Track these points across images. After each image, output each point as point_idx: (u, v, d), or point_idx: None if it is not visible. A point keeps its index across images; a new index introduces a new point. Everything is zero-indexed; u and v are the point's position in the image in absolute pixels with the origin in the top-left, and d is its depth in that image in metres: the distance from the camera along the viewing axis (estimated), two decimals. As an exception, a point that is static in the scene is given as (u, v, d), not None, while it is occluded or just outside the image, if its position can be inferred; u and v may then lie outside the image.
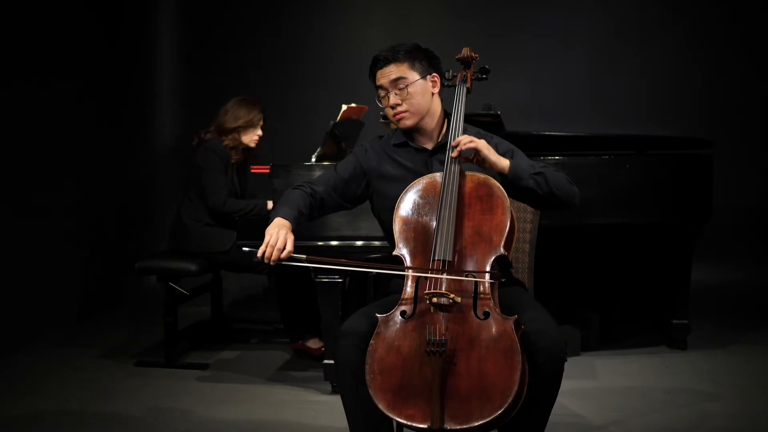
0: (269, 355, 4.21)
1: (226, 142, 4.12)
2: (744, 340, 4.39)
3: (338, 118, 3.99)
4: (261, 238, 3.51)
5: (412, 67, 2.52)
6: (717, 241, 5.34)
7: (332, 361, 3.51)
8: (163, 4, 6.44)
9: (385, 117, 3.96)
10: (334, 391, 3.57)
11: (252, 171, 4.38)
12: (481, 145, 2.36)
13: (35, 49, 4.46)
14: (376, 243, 3.43)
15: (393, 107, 2.53)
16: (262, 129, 4.20)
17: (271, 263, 2.29)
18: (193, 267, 3.99)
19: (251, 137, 4.17)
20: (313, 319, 4.08)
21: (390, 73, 2.52)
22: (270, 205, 3.95)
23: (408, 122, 2.55)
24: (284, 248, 2.29)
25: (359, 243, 3.46)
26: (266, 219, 3.56)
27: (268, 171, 3.58)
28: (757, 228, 6.24)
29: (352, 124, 4.14)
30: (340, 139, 3.95)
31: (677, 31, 6.36)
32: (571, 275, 4.48)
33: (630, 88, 6.37)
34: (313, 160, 3.88)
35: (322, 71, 6.48)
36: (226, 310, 4.73)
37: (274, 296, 4.20)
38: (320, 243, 3.48)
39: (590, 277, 4.63)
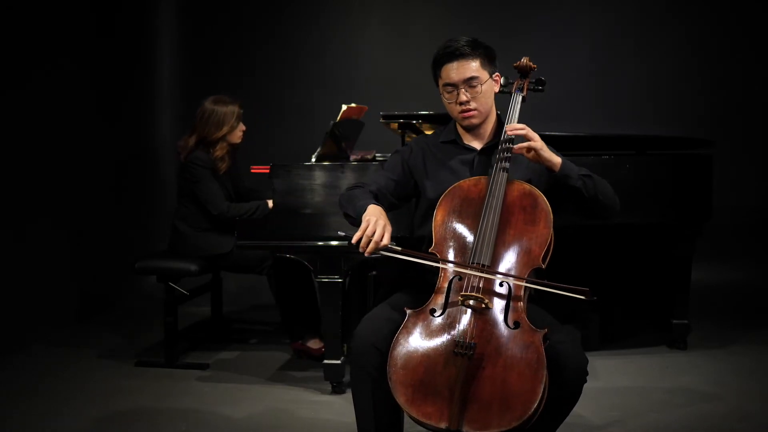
0: (269, 355, 4.21)
1: (216, 153, 4.09)
2: (744, 340, 4.39)
3: (338, 118, 3.99)
4: (261, 237, 3.55)
5: (483, 65, 2.48)
6: (717, 241, 5.34)
7: (333, 361, 3.52)
8: (162, 4, 6.44)
9: (385, 117, 3.98)
10: (334, 391, 3.57)
11: (252, 171, 4.37)
12: (537, 139, 2.37)
13: (34, 50, 4.46)
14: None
15: (461, 104, 2.48)
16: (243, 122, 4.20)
17: (366, 254, 2.25)
18: (193, 267, 3.99)
19: (236, 135, 4.17)
20: (313, 319, 4.08)
21: (463, 70, 2.45)
22: (271, 204, 3.95)
23: (475, 121, 2.52)
24: (381, 239, 2.24)
25: (359, 243, 3.45)
26: (259, 221, 3.60)
27: (268, 171, 3.58)
28: (757, 228, 6.24)
29: (352, 124, 4.14)
30: (340, 139, 3.94)
31: (678, 32, 6.36)
32: (571, 275, 4.47)
33: (630, 87, 6.37)
34: (313, 160, 3.88)
35: (322, 71, 6.48)
36: (226, 310, 4.73)
37: (274, 296, 4.19)
38: (320, 243, 3.48)
39: (590, 277, 4.61)
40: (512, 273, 2.26)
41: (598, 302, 4.60)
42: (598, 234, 4.39)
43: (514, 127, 2.40)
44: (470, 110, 2.49)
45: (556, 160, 2.40)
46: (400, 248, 2.27)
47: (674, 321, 4.16)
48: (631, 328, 4.59)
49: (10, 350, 4.12)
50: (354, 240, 2.25)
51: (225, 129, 4.09)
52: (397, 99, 6.01)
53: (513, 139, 2.43)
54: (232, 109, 4.11)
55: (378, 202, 2.46)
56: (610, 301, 4.65)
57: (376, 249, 2.24)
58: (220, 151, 4.11)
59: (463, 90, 2.46)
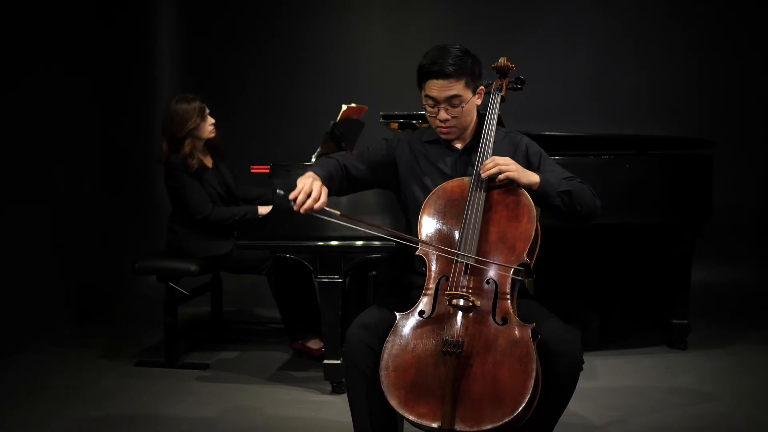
0: (269, 355, 4.21)
1: (185, 150, 4.07)
2: (744, 340, 4.39)
3: (338, 118, 3.99)
4: (261, 237, 3.55)
5: (467, 85, 2.46)
6: (717, 241, 5.33)
7: (333, 361, 3.52)
8: (163, 4, 6.43)
9: (384, 117, 3.98)
10: (334, 391, 3.57)
11: (252, 171, 4.37)
12: (511, 168, 2.35)
13: (32, 49, 4.46)
14: (376, 243, 3.43)
15: (442, 121, 2.49)
16: (211, 116, 4.18)
17: (302, 211, 2.27)
18: (193, 267, 3.99)
19: (206, 129, 4.15)
20: (313, 319, 4.08)
21: (445, 89, 2.43)
22: (261, 210, 3.94)
23: (451, 137, 2.55)
24: (318, 199, 2.28)
25: (359, 243, 3.46)
26: (259, 221, 3.60)
27: (267, 171, 3.58)
28: (757, 228, 6.24)
29: (352, 124, 4.14)
30: (340, 139, 3.95)
31: (677, 31, 6.36)
32: (571, 275, 4.48)
33: (630, 88, 6.36)
34: (313, 160, 3.88)
35: (322, 71, 6.48)
36: (226, 310, 4.73)
37: (274, 296, 4.19)
38: (320, 243, 3.48)
39: (591, 277, 4.63)
40: (496, 270, 2.27)
41: (598, 302, 4.61)
42: (598, 234, 4.39)
43: (485, 168, 2.36)
44: (449, 128, 2.50)
45: (534, 180, 2.39)
46: (338, 212, 2.29)
47: (674, 321, 4.16)
48: (631, 328, 4.59)
49: (10, 350, 4.11)
50: (291, 196, 2.28)
51: (189, 124, 4.08)
52: (397, 99, 5.99)
53: (494, 136, 2.47)
54: (194, 106, 4.11)
55: (339, 179, 2.51)
56: (610, 301, 4.65)
57: (312, 210, 2.27)
58: (187, 146, 4.08)
59: (444, 107, 2.46)
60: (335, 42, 6.53)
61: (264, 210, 3.89)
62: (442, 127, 2.51)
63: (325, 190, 2.32)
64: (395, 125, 4.09)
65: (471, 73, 2.46)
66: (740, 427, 3.19)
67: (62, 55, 4.79)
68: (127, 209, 5.64)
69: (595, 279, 4.64)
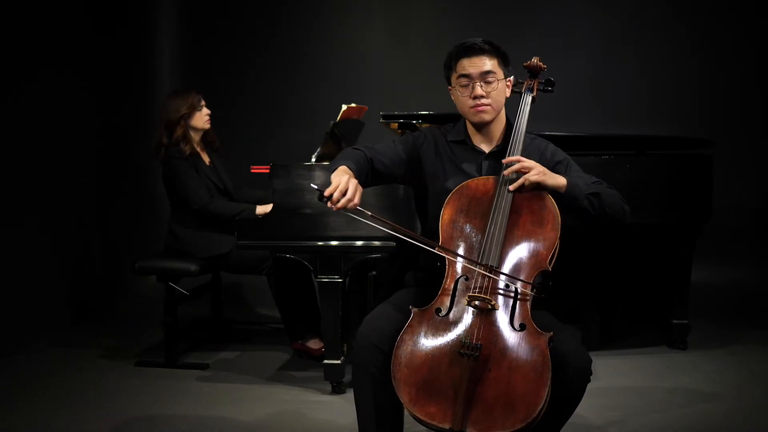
0: (269, 355, 4.21)
1: (177, 133, 4.08)
2: (744, 340, 4.39)
3: (338, 118, 3.99)
4: (261, 237, 3.55)
5: (500, 65, 2.50)
6: (717, 241, 5.33)
7: (333, 361, 3.52)
8: (163, 4, 6.43)
9: (384, 117, 3.97)
10: (334, 391, 3.57)
11: (252, 171, 4.37)
12: (537, 171, 2.33)
13: (34, 48, 4.46)
14: (377, 243, 3.43)
15: (476, 98, 2.47)
16: (207, 107, 4.20)
17: (334, 209, 2.23)
18: (193, 267, 3.99)
19: (201, 119, 4.16)
20: (313, 319, 4.08)
21: (483, 64, 2.46)
22: (258, 210, 3.94)
23: (487, 117, 2.51)
24: (353, 199, 2.24)
25: (359, 243, 3.46)
26: (259, 221, 3.60)
27: (268, 171, 3.58)
28: (757, 228, 6.23)
29: (352, 124, 4.14)
30: (340, 139, 3.95)
31: (678, 31, 6.36)
32: (571, 275, 4.47)
33: (630, 88, 6.36)
34: (313, 160, 3.88)
35: (322, 71, 6.48)
36: (226, 310, 4.73)
37: (274, 296, 4.19)
38: (320, 243, 3.48)
39: (591, 277, 4.62)
40: (520, 275, 2.26)
41: (598, 302, 4.60)
42: (598, 234, 4.39)
43: (508, 163, 2.36)
44: (484, 105, 2.48)
45: (561, 182, 2.37)
46: (369, 213, 2.26)
47: (674, 321, 4.16)
48: (631, 328, 4.59)
49: (10, 350, 4.11)
50: (327, 192, 2.23)
51: (183, 109, 4.10)
52: (397, 99, 6.00)
53: (522, 142, 2.45)
54: (187, 95, 4.14)
55: (365, 172, 2.47)
56: (610, 301, 4.65)
57: (346, 208, 2.24)
58: (180, 130, 4.09)
59: (478, 84, 2.46)
60: (335, 42, 6.53)
61: (262, 210, 3.89)
62: (477, 105, 2.47)
63: (360, 190, 2.28)
64: (395, 125, 4.09)
65: (502, 55, 2.51)
66: (740, 427, 3.19)
67: (62, 55, 4.79)
68: (127, 209, 5.64)
69: (596, 279, 4.64)
